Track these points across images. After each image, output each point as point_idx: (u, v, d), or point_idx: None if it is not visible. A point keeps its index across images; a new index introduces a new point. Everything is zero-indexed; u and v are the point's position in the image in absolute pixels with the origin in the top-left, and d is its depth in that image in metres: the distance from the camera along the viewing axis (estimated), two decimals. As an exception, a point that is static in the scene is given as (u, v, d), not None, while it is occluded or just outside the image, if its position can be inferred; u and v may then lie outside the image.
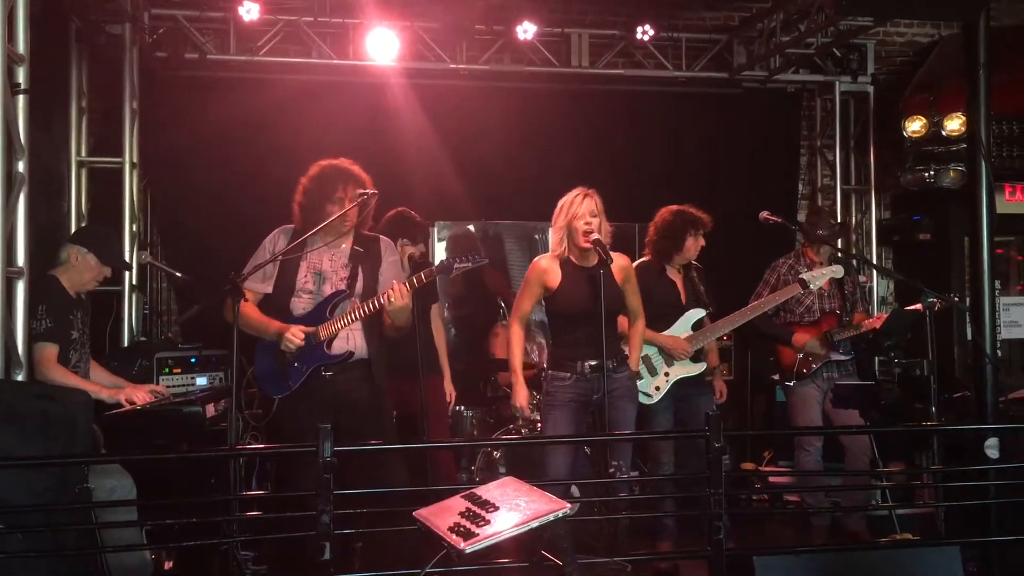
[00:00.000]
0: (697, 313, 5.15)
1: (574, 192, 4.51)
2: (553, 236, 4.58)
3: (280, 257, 4.22)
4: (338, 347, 4.20)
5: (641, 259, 5.30)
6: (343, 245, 4.33)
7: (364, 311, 4.15)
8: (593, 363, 4.43)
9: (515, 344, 4.58)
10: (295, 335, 4.11)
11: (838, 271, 5.39)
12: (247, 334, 4.27)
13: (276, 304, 4.27)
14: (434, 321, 5.51)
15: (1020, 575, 4.22)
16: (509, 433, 5.78)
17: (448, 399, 5.55)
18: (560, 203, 4.53)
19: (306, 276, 4.26)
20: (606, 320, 4.35)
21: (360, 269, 4.30)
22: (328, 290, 4.24)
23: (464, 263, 4.17)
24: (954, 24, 7.10)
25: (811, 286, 5.29)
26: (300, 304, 4.25)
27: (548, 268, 4.53)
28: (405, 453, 4.42)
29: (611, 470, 4.28)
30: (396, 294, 4.05)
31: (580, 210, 4.43)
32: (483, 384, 6.26)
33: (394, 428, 4.55)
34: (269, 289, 4.28)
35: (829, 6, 6.16)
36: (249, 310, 4.21)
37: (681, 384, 5.10)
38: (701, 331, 5.14)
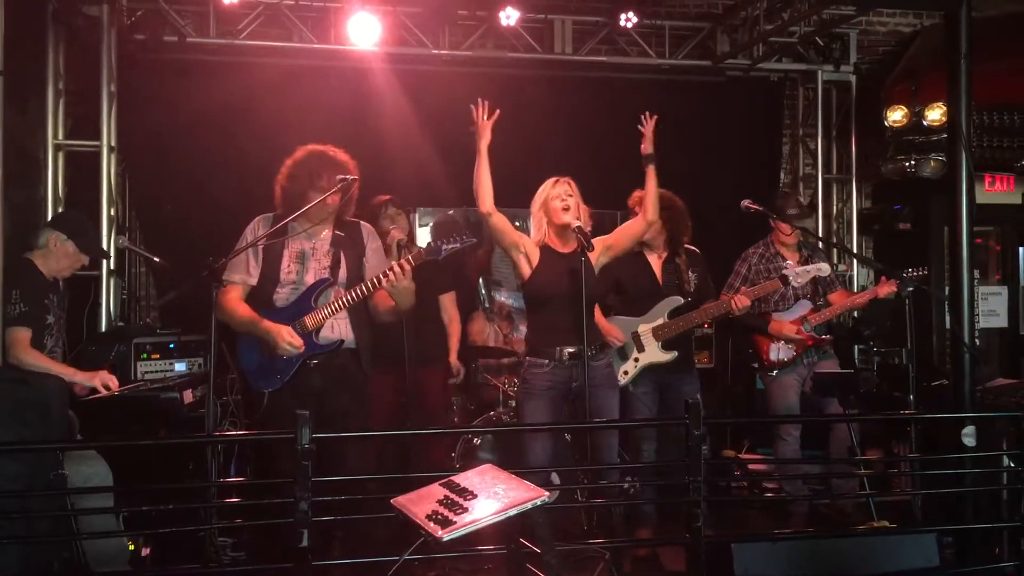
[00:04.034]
0: (675, 301, 5.12)
1: (547, 181, 4.60)
2: (532, 224, 4.63)
3: (260, 244, 4.17)
4: (325, 336, 4.17)
5: None
6: (324, 232, 4.28)
7: (350, 298, 4.11)
8: (571, 350, 4.43)
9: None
10: (294, 340, 4.05)
11: (824, 269, 5.38)
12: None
13: (260, 295, 4.22)
14: (448, 311, 5.63)
15: (995, 562, 4.26)
16: (490, 420, 5.78)
17: (456, 373, 5.65)
18: (536, 193, 4.61)
19: (289, 266, 4.20)
20: (584, 308, 4.33)
21: (343, 255, 4.26)
22: (311, 279, 4.20)
23: (453, 243, 4.14)
24: (936, 14, 7.11)
25: (792, 283, 5.28)
26: (283, 294, 4.20)
27: (530, 243, 4.56)
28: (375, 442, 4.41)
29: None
30: (397, 273, 4.01)
31: (554, 192, 4.53)
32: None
33: (370, 414, 4.50)
34: (254, 281, 4.22)
35: (813, -6, 6.16)
36: (237, 306, 4.15)
37: (663, 371, 5.11)
38: (674, 320, 5.11)
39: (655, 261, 5.19)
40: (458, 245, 4.14)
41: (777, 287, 5.34)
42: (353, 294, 4.10)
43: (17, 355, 4.17)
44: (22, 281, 4.25)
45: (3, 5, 4.03)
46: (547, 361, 4.47)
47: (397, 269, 4.01)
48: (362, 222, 4.47)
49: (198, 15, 6.85)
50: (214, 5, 6.68)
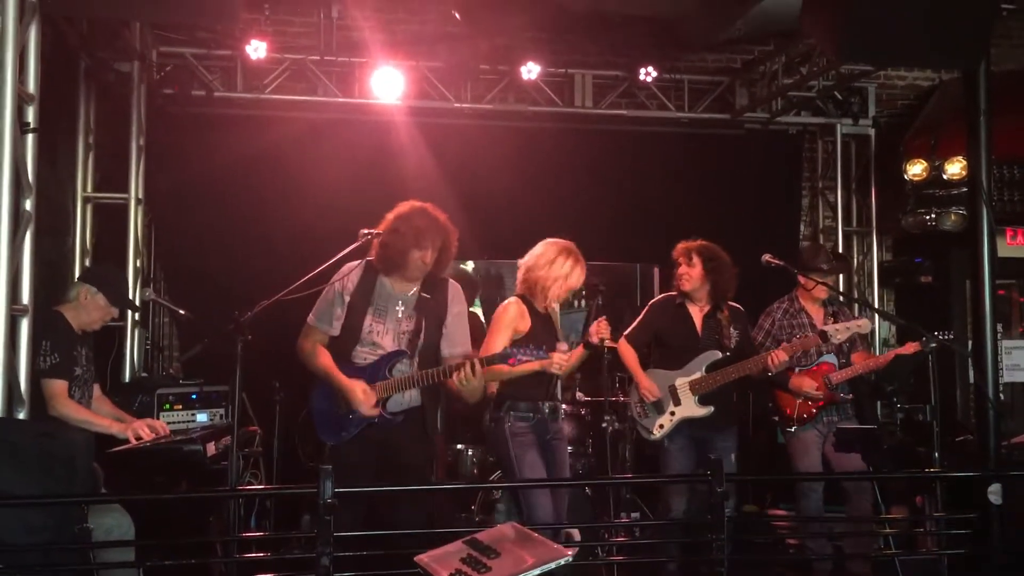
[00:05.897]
0: (713, 355, 5.10)
1: (570, 258, 4.55)
2: (537, 287, 4.56)
3: (347, 295, 4.17)
4: (394, 404, 4.14)
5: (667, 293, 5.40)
6: (412, 293, 4.24)
7: (424, 381, 4.09)
8: (551, 403, 4.57)
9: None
10: (369, 399, 4.04)
11: (865, 327, 5.32)
12: (306, 370, 4.26)
13: (339, 348, 4.20)
14: None
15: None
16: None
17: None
18: (552, 257, 4.55)
19: (372, 325, 4.17)
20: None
21: (424, 323, 4.20)
22: (390, 342, 4.17)
23: (528, 355, 4.01)
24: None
25: (832, 340, 5.22)
26: (362, 354, 4.17)
27: (522, 312, 4.53)
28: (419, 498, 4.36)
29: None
30: (467, 374, 3.97)
31: (574, 282, 4.54)
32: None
33: (432, 470, 4.48)
34: (336, 332, 4.20)
35: (830, 53, 6.22)
36: (320, 354, 4.18)
37: (700, 426, 5.08)
38: (711, 374, 5.08)
39: (696, 313, 5.18)
40: (531, 359, 4.08)
41: (817, 343, 5.27)
42: (426, 378, 4.08)
43: (57, 408, 4.20)
44: (52, 332, 4.29)
45: (38, 64, 4.13)
46: (532, 414, 4.51)
47: (468, 370, 3.98)
48: (451, 282, 4.38)
49: (226, 70, 7.00)
50: (242, 61, 6.83)
